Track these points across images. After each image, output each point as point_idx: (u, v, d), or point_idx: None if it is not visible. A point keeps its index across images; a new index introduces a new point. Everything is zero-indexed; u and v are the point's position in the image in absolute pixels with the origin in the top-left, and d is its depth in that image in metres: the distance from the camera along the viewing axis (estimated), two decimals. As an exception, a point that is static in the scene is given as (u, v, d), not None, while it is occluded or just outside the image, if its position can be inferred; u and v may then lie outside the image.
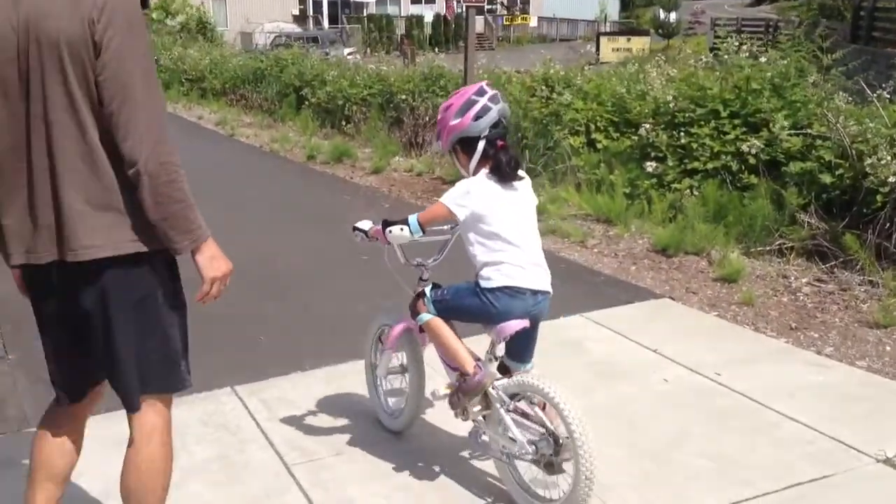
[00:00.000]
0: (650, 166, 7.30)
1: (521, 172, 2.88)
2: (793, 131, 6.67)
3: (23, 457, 3.21)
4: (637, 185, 7.33)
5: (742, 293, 4.99)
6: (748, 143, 6.74)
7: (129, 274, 2.16)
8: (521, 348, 3.01)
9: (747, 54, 7.75)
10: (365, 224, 3.08)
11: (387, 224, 2.94)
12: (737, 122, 7.14)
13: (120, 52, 2.03)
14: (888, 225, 5.41)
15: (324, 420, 3.52)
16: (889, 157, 5.58)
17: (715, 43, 32.13)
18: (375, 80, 12.71)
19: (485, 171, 2.81)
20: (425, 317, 2.98)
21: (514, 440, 2.74)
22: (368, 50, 32.05)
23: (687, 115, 7.48)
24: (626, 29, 42.80)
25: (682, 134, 7.26)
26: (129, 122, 2.03)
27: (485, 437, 2.95)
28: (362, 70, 13.55)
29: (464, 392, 2.87)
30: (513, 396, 2.81)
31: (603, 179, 7.77)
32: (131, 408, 2.29)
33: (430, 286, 3.07)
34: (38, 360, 4.19)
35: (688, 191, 6.90)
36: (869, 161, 5.68)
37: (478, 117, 2.77)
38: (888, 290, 4.86)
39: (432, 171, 9.02)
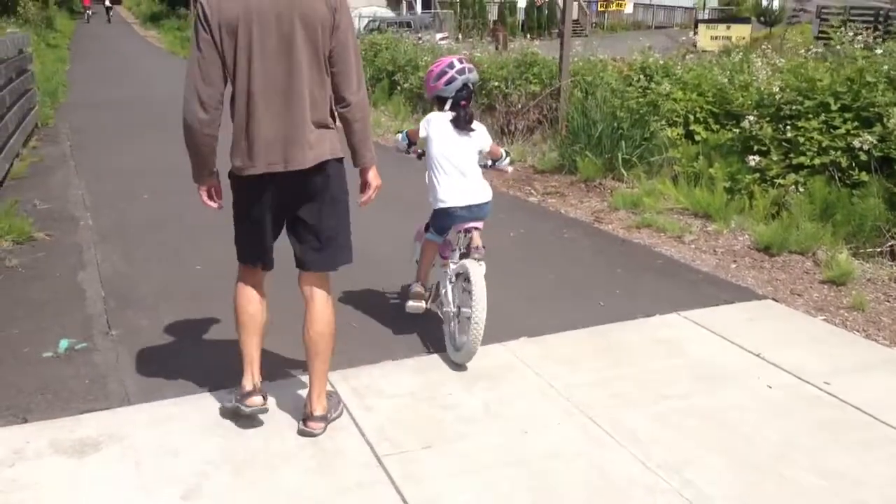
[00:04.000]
0: (753, 160, 7.01)
1: (474, 125, 4.08)
2: (909, 127, 6.32)
3: (125, 433, 3.31)
4: (738, 179, 7.05)
5: (852, 297, 4.74)
6: (860, 139, 6.39)
7: (337, 172, 3.20)
8: (472, 244, 4.15)
9: (861, 45, 7.36)
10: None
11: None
12: (848, 115, 6.78)
13: (346, 30, 3.09)
14: None
15: (414, 411, 3.49)
16: None
17: (821, 32, 30.92)
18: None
19: (449, 116, 4.03)
20: (426, 236, 4.26)
21: (449, 302, 4.03)
22: (461, 35, 31.97)
23: (794, 107, 7.15)
24: (726, 16, 41.41)
25: (788, 127, 6.94)
26: (349, 76, 3.12)
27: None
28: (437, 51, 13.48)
29: (411, 290, 4.27)
30: (458, 275, 4.01)
31: (701, 172, 7.52)
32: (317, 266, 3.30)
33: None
34: (140, 336, 4.35)
35: (792, 187, 6.60)
36: None
37: (447, 83, 4.02)
38: None
39: (524, 160, 8.90)
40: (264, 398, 3.35)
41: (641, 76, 9.44)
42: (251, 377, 3.36)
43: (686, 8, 48.65)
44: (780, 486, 2.89)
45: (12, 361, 3.99)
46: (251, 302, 3.40)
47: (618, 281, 5.11)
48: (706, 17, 42.78)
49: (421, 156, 4.28)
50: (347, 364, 3.93)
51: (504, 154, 4.36)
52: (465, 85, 4.02)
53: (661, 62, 9.53)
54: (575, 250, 5.83)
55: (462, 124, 4.02)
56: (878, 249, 5.71)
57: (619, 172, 7.90)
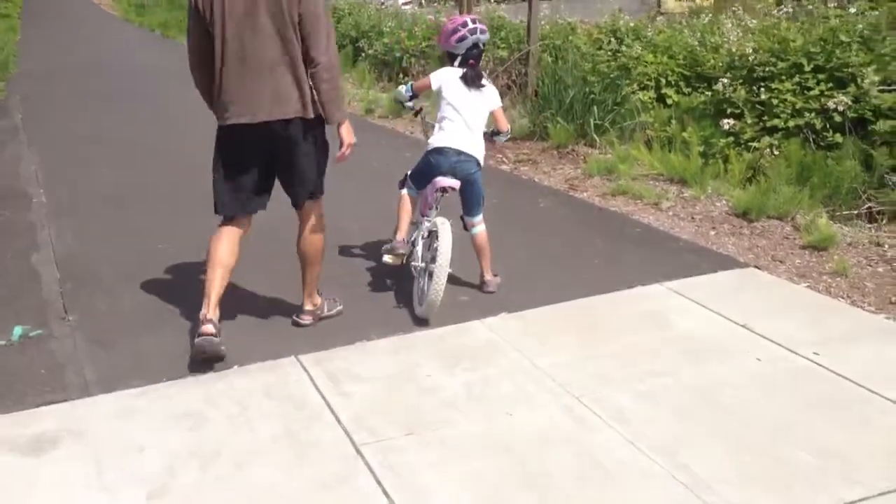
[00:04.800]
0: (727, 123, 6.89)
1: (483, 82, 4.25)
2: (883, 87, 6.23)
3: (85, 427, 3.11)
4: (712, 143, 6.93)
5: (834, 262, 4.64)
6: (834, 100, 6.29)
7: (311, 129, 3.63)
8: (465, 204, 4.33)
9: (835, 4, 7.24)
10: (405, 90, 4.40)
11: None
12: (821, 76, 6.68)
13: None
14: None
15: (392, 396, 3.33)
16: None
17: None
18: (434, 31, 12.32)
19: (459, 72, 4.19)
20: (402, 192, 4.35)
21: (418, 258, 4.14)
22: (424, 0, 31.44)
23: (767, 69, 7.03)
24: (689, -23, 41.17)
25: (762, 89, 6.82)
26: (317, 39, 3.49)
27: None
28: (421, 21, 13.16)
29: (390, 245, 4.26)
30: (430, 233, 4.09)
31: (674, 137, 7.38)
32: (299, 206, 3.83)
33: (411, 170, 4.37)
34: (99, 321, 4.13)
35: (767, 150, 6.49)
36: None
37: (459, 41, 4.16)
38: None
39: (494, 127, 8.68)
40: (216, 331, 3.58)
41: (612, 39, 9.27)
42: (206, 308, 3.63)
43: (650, -31, 48.38)
44: (776, 467, 2.78)
45: (-39, 352, 3.75)
46: (222, 243, 3.78)
47: (597, 251, 4.97)
48: (670, -22, 42.56)
49: (418, 113, 4.55)
50: (321, 345, 3.76)
51: (508, 130, 4.43)
52: (475, 44, 4.19)
53: (632, 24, 9.35)
54: (551, 220, 5.67)
55: (471, 81, 4.17)
56: (856, 212, 5.64)
57: (592, 138, 7.74)
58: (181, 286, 4.48)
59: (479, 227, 4.35)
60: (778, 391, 3.26)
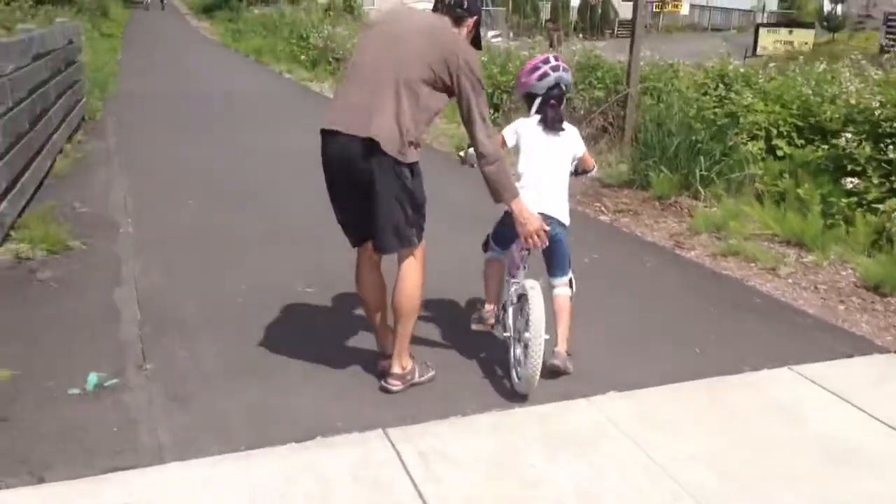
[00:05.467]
0: (850, 182, 6.36)
1: (564, 125, 3.85)
2: None
3: (155, 499, 2.84)
4: (830, 202, 6.40)
5: None
6: (975, 163, 5.71)
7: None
8: (548, 265, 3.89)
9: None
10: (463, 153, 4.04)
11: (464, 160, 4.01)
12: (956, 135, 6.12)
13: None
14: None
15: (492, 488, 2.96)
16: None
17: (888, 39, 29.74)
18: (522, 65, 12.03)
19: (537, 117, 3.82)
20: (487, 256, 4.04)
21: (509, 327, 3.82)
22: (512, 33, 31.34)
23: (895, 124, 6.48)
24: (788, 20, 40.18)
25: (890, 147, 6.27)
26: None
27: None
28: (514, 56, 12.91)
29: (477, 317, 4.08)
30: (520, 297, 3.71)
31: (787, 192, 6.87)
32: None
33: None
34: (177, 372, 3.89)
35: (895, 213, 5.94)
36: None
37: (539, 79, 3.81)
38: None
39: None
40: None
41: (719, 84, 8.81)
42: (380, 345, 3.80)
43: (743, 10, 47.45)
44: None
45: (35, 398, 3.54)
46: (359, 280, 3.70)
47: (712, 322, 4.52)
48: (765, 20, 41.61)
49: None
50: (411, 417, 3.43)
51: (594, 166, 4.10)
52: (557, 83, 3.82)
53: (742, 70, 8.87)
54: (659, 282, 5.24)
55: (551, 124, 3.80)
56: None
57: (696, 190, 7.28)
58: (268, 336, 4.22)
59: (563, 289, 3.89)
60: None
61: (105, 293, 4.77)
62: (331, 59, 19.14)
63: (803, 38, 32.08)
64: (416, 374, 3.73)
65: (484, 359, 4.03)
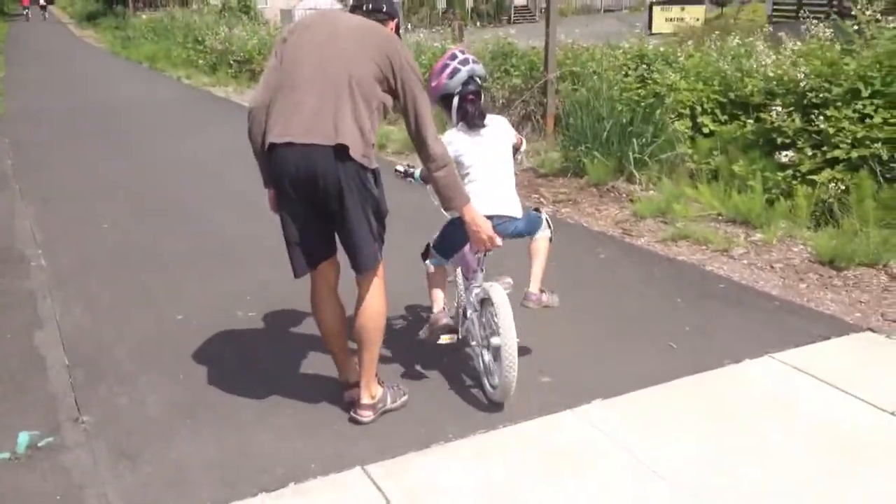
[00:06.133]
0: (785, 155, 6.36)
1: (487, 119, 3.58)
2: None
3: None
4: (767, 177, 6.39)
5: (957, 322, 4.09)
6: (905, 127, 5.76)
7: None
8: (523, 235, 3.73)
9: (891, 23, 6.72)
10: (401, 167, 3.85)
11: (408, 174, 3.82)
12: (878, 102, 6.17)
13: None
14: None
15: (492, 521, 2.71)
16: None
17: (774, 11, 30.73)
18: (434, 59, 11.79)
19: (460, 123, 3.57)
20: (428, 264, 3.72)
21: (475, 335, 3.61)
22: (410, 25, 31.08)
23: (821, 95, 6.51)
24: (678, -3, 41.15)
25: (820, 118, 6.29)
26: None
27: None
28: (426, 48, 12.66)
29: (429, 324, 3.68)
30: (482, 302, 3.54)
31: (720, 170, 6.85)
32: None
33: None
34: (120, 422, 3.45)
35: (832, 184, 5.95)
36: None
37: (451, 76, 3.53)
38: None
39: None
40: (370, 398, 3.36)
41: (640, 64, 8.76)
42: (343, 374, 3.48)
43: (634, -10, 48.36)
44: None
45: (-42, 471, 3.10)
46: (320, 311, 3.38)
47: (682, 313, 4.38)
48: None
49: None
50: (390, 449, 3.14)
51: (523, 142, 3.83)
52: (470, 77, 3.55)
53: (661, 49, 8.85)
54: (616, 274, 5.08)
55: (473, 119, 3.54)
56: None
57: (631, 173, 7.19)
58: (214, 372, 3.85)
59: (542, 233, 3.75)
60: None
61: (24, 338, 4.30)
62: (231, 62, 18.46)
63: (695, 13, 32.88)
64: (388, 400, 3.44)
65: (453, 373, 3.77)
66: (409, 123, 3.15)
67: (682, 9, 33.47)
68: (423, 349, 3.94)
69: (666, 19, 32.58)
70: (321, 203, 3.07)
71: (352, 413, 3.38)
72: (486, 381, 3.54)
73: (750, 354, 3.79)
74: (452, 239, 3.61)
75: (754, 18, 30.92)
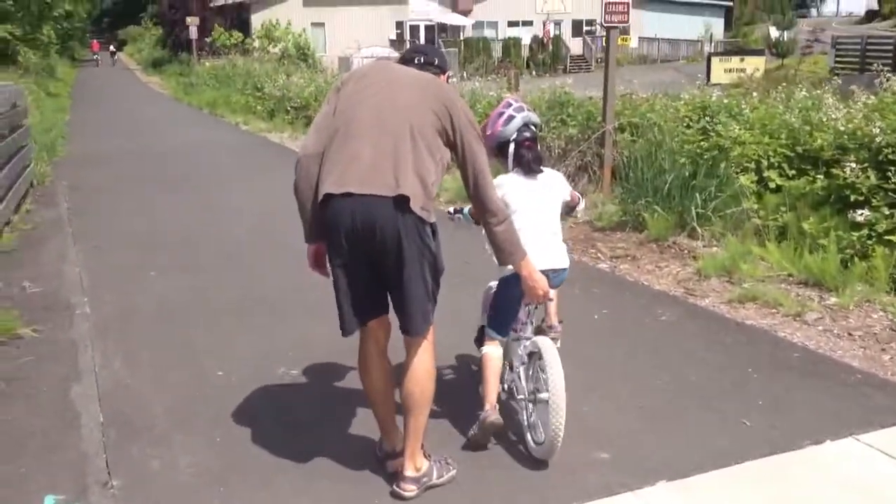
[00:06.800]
0: (861, 214, 6.00)
1: (545, 170, 3.57)
2: None
3: None
4: (840, 236, 6.03)
5: None
6: None
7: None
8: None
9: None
10: (451, 208, 3.89)
11: (457, 211, 3.86)
12: (960, 159, 5.81)
13: None
14: None
15: None
16: None
17: (837, 62, 30.18)
18: (489, 107, 11.67)
19: (516, 170, 3.51)
20: (484, 350, 3.54)
21: (522, 388, 3.45)
22: (465, 73, 31.22)
23: (896, 150, 6.17)
24: (737, 48, 40.78)
25: (896, 174, 5.93)
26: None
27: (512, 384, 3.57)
28: (480, 96, 12.57)
29: (479, 423, 3.42)
30: (531, 355, 3.42)
31: (789, 227, 6.51)
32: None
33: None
34: (150, 489, 3.22)
35: (909, 245, 5.58)
36: None
37: (506, 123, 3.53)
38: None
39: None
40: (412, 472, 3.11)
41: (702, 116, 8.49)
42: (386, 441, 3.28)
43: (690, 41, 48.06)
44: None
45: (-22, 537, 2.94)
46: (369, 374, 3.20)
47: (754, 386, 4.04)
48: (712, 49, 42.20)
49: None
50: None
51: (580, 199, 3.78)
52: (525, 123, 3.54)
53: (725, 101, 8.57)
54: (680, 338, 4.75)
55: (529, 165, 3.50)
56: None
57: (693, 229, 6.88)
58: (249, 433, 3.65)
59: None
60: None
61: (61, 392, 4.16)
62: (288, 109, 18.68)
63: (755, 64, 32.31)
64: (434, 475, 3.18)
65: (503, 448, 3.49)
66: (466, 177, 3.05)
67: (742, 59, 32.97)
68: (467, 418, 3.67)
69: (725, 70, 32.11)
70: (377, 257, 2.90)
71: (394, 486, 3.13)
72: (529, 437, 3.40)
73: (831, 436, 3.45)
74: (508, 304, 3.48)
75: (815, 70, 30.47)
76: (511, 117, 3.53)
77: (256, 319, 5.18)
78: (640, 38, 48.04)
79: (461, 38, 43.29)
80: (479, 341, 3.66)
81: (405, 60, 3.26)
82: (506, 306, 3.50)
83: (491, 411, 3.38)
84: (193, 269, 6.37)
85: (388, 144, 2.87)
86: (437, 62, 3.25)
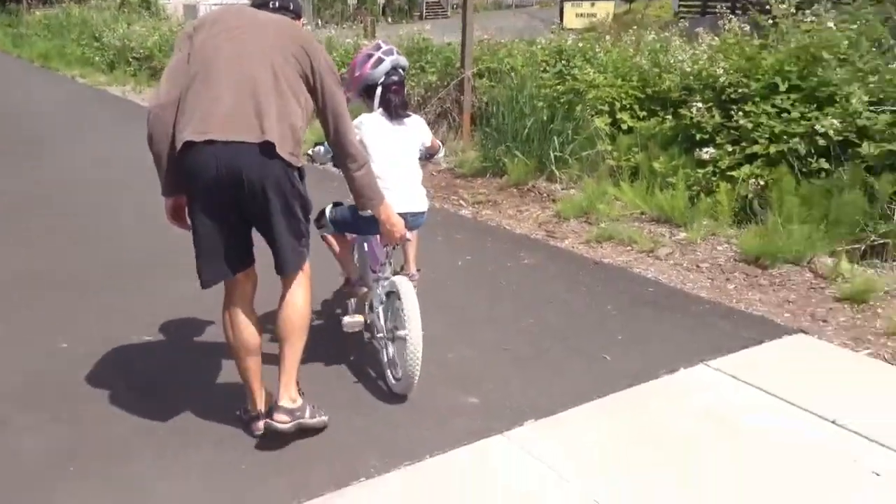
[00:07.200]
0: (706, 152, 6.25)
1: (409, 112, 3.59)
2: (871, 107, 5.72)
3: None
4: (688, 174, 6.28)
5: (889, 322, 3.98)
6: (823, 123, 5.72)
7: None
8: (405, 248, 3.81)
9: (810, 18, 6.69)
10: (309, 151, 3.63)
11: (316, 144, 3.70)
12: (795, 97, 6.14)
13: None
14: None
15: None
16: None
17: (681, 6, 31.33)
18: (347, 55, 11.43)
19: (379, 110, 3.51)
20: (323, 232, 3.72)
21: (381, 327, 3.53)
22: (321, 21, 30.39)
23: (739, 90, 6.46)
24: (587, -7, 41.63)
25: (739, 113, 6.22)
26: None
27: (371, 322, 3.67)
28: (336, 44, 12.27)
29: (345, 292, 3.85)
30: (389, 294, 3.51)
31: (641, 167, 6.73)
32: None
33: (330, 205, 3.69)
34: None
35: (753, 180, 5.88)
36: None
37: (374, 66, 3.51)
38: None
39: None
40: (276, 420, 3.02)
41: (558, 60, 8.60)
42: (254, 403, 3.13)
43: (545, -14, 48.76)
44: None
45: None
46: (237, 327, 3.06)
47: (612, 322, 4.16)
48: (566, -5, 42.98)
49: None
50: (308, 488, 2.80)
51: (440, 147, 3.88)
52: (394, 67, 3.55)
53: (580, 44, 8.71)
54: (542, 280, 4.84)
55: (396, 110, 3.53)
56: (859, 247, 5.05)
57: (552, 172, 7.00)
58: (101, 408, 3.43)
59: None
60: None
61: None
62: (130, 60, 17.62)
63: (605, 9, 33.21)
64: (307, 414, 3.09)
65: (374, 396, 3.45)
66: (326, 122, 3.02)
67: (592, 4, 33.75)
68: (332, 361, 3.61)
69: (576, 14, 32.82)
70: (244, 203, 2.83)
71: (267, 420, 3.05)
72: (389, 374, 3.49)
73: (685, 363, 3.60)
74: (351, 225, 3.60)
75: (661, 14, 31.56)
76: (380, 60, 3.52)
77: (104, 287, 4.87)
78: (494, -17, 48.29)
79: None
80: (318, 224, 3.68)
81: (259, 4, 3.14)
82: (349, 225, 3.60)
83: (355, 286, 3.75)
84: (27, 239, 5.90)
85: (250, 89, 2.80)
86: (291, 6, 3.18)
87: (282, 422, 3.01)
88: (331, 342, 3.88)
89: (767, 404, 3.26)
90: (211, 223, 2.86)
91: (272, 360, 3.18)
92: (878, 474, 2.77)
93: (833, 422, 3.09)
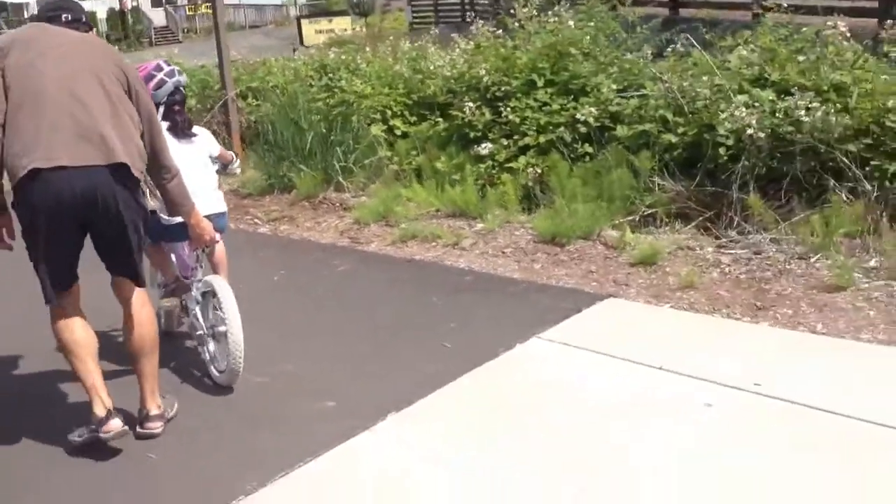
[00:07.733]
0: (484, 148, 6.65)
1: (194, 129, 3.86)
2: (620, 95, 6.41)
3: None
4: (472, 170, 6.64)
5: (679, 277, 4.49)
6: (582, 112, 6.33)
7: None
8: (213, 260, 3.99)
9: (553, 19, 7.33)
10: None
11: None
12: (552, 90, 6.74)
13: None
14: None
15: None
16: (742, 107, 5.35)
17: (414, 18, 32.56)
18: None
19: (165, 125, 3.55)
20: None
21: (201, 325, 3.71)
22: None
23: (502, 88, 6.95)
24: (323, 10, 42.06)
25: (508, 109, 6.69)
26: None
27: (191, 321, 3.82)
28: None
29: (165, 294, 3.99)
30: (204, 294, 3.69)
31: (423, 168, 7.02)
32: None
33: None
34: None
35: (530, 169, 6.36)
36: (723, 114, 5.43)
37: (157, 88, 3.64)
38: (808, 248, 4.62)
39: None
40: (122, 421, 3.07)
41: (323, 75, 8.71)
42: (101, 403, 3.06)
43: (276, 5, 48.64)
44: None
45: None
46: (76, 336, 3.12)
47: (441, 312, 4.33)
48: (298, 13, 43.11)
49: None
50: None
51: (234, 157, 4.21)
52: (176, 88, 3.77)
53: (343, 57, 8.88)
54: (362, 284, 4.91)
55: (181, 131, 3.76)
56: (634, 218, 5.63)
57: (339, 183, 7.09)
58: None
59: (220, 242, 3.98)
60: (758, 439, 2.90)
61: None
62: None
63: (342, 24, 33.71)
64: (171, 409, 3.37)
65: (227, 414, 3.37)
66: (143, 135, 3.10)
67: (330, 20, 34.16)
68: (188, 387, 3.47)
69: (316, 31, 33.01)
70: (97, 225, 2.98)
71: (138, 429, 3.21)
72: (212, 369, 3.66)
73: (519, 339, 3.85)
74: (163, 234, 3.73)
75: (396, 26, 32.63)
76: (163, 81, 3.69)
77: None
78: (225, 4, 47.39)
79: (26, 16, 38.84)
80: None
81: (49, 18, 3.06)
82: (153, 234, 3.62)
83: (175, 283, 3.92)
84: None
85: (87, 113, 2.83)
86: (84, 19, 3.15)
87: (157, 427, 3.21)
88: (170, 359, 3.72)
89: (600, 362, 3.59)
90: (57, 242, 2.96)
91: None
92: (709, 405, 3.15)
93: (660, 367, 3.47)
